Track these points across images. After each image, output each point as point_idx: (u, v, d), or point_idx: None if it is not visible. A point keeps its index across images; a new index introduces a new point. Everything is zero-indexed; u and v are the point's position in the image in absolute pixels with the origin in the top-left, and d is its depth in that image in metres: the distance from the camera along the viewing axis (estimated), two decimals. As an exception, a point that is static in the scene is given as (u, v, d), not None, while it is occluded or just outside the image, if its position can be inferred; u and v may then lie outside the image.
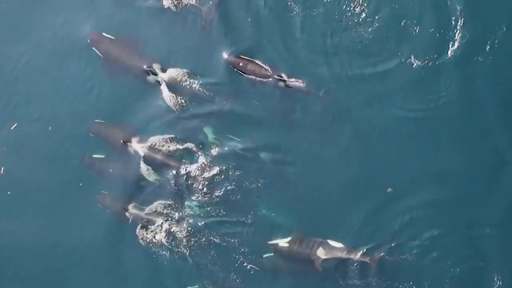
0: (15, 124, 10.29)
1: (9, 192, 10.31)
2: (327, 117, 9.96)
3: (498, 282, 9.49)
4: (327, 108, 9.92)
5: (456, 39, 9.90)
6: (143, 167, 10.03)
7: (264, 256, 9.79)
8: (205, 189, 9.99)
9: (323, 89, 9.92)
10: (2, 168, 10.30)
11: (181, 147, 10.07)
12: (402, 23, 9.99)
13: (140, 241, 9.98)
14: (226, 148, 10.04)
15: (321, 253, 9.56)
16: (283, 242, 9.77)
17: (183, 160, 10.07)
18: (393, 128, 9.89)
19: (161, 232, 9.95)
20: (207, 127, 10.08)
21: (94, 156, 10.19)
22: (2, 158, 10.39)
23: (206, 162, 10.00)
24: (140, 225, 10.00)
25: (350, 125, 9.92)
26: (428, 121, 9.87)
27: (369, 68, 10.04)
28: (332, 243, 9.65)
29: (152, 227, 10.00)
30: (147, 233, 9.99)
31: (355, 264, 9.54)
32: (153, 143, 10.04)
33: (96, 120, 10.22)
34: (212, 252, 9.91)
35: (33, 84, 10.44)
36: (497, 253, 9.56)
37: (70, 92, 10.32)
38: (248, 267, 9.79)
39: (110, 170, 10.15)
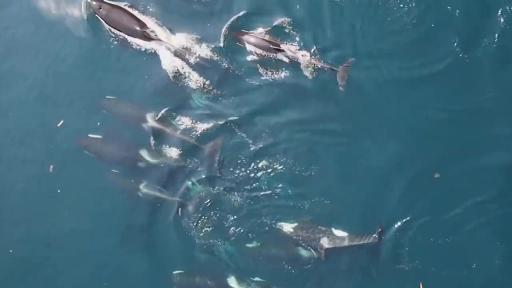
0: (62, 121, 10.39)
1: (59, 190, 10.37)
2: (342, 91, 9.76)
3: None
4: (344, 82, 9.63)
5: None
6: (155, 146, 10.01)
7: (248, 245, 9.62)
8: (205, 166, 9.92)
9: (342, 64, 9.69)
10: (51, 167, 10.36)
11: (189, 122, 10.03)
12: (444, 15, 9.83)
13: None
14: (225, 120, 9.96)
15: (324, 242, 9.33)
16: (288, 227, 9.55)
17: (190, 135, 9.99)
18: (424, 123, 9.72)
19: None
20: (195, 93, 9.98)
21: (90, 136, 10.18)
22: (51, 156, 10.44)
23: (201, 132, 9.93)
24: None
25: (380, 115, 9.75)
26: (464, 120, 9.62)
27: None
28: (336, 232, 9.46)
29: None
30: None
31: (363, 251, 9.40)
32: (164, 118, 10.01)
33: (108, 97, 10.26)
34: (214, 230, 9.79)
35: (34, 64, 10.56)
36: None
37: (75, 69, 10.45)
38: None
39: (114, 150, 10.09)
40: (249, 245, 9.59)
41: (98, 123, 10.23)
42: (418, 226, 9.39)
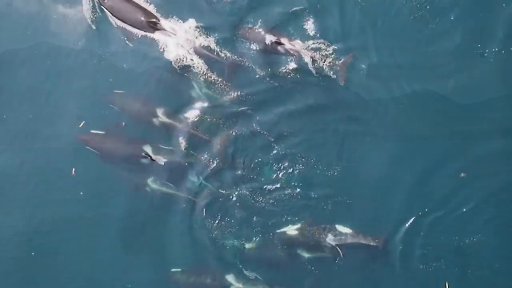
0: (83, 122, 10.32)
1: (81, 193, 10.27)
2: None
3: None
4: (343, 77, 9.62)
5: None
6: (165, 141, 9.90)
7: (247, 245, 9.48)
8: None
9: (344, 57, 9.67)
10: (74, 169, 10.30)
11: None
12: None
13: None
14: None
15: (330, 239, 9.17)
16: (291, 230, 9.40)
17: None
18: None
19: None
20: (197, 82, 9.83)
21: (93, 131, 10.06)
22: (72, 158, 10.36)
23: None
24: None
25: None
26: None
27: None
28: (341, 228, 9.29)
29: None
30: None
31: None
32: (173, 112, 9.87)
33: (116, 91, 10.18)
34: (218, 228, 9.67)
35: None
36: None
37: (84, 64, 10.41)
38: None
39: (117, 145, 9.96)
40: (249, 245, 9.46)
41: (124, 123, 10.10)
42: (438, 225, 9.21)
